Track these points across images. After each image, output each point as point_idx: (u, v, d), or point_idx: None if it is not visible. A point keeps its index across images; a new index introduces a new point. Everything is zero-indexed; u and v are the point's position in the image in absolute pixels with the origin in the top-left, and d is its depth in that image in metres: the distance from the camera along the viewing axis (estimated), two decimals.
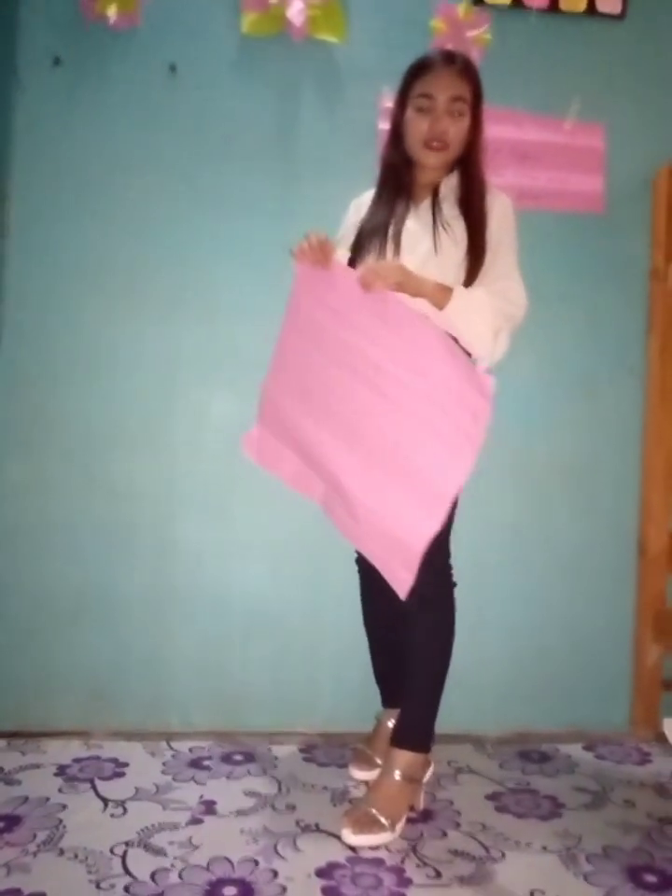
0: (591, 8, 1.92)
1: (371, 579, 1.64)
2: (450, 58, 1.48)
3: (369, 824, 1.37)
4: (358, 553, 1.64)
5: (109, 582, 1.82)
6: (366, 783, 1.58)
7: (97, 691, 1.82)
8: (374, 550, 1.41)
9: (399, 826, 1.40)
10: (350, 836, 1.36)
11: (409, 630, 1.49)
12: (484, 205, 1.48)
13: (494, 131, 1.93)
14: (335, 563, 1.81)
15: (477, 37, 1.86)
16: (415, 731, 1.49)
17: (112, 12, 1.76)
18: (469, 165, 1.51)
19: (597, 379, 1.95)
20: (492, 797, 1.56)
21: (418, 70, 1.48)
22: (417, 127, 1.47)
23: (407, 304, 1.36)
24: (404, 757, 1.45)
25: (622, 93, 1.94)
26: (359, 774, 1.62)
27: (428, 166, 1.49)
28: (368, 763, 1.62)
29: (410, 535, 1.33)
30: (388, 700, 1.68)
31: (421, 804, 1.48)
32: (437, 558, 1.47)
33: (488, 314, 1.40)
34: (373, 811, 1.39)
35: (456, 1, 1.86)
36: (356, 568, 1.66)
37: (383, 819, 1.38)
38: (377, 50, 1.83)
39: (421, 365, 1.34)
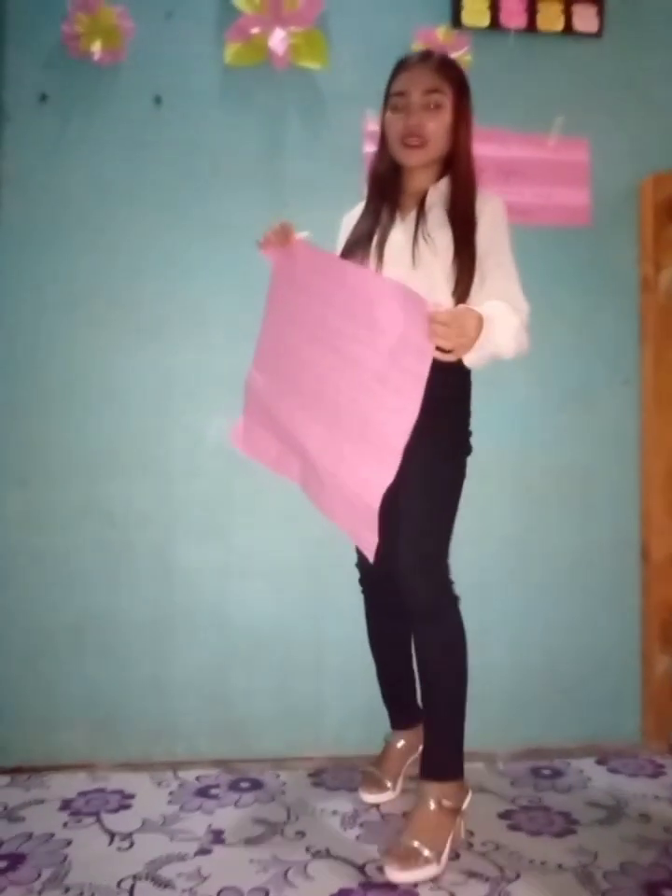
0: (568, 27, 1.95)
1: (375, 599, 1.63)
2: (426, 55, 1.45)
3: (414, 859, 1.31)
4: (362, 574, 1.63)
5: (110, 610, 1.81)
6: (376, 806, 1.56)
7: (101, 722, 1.80)
8: (339, 514, 1.38)
9: (444, 857, 1.34)
10: (396, 874, 1.30)
11: (418, 652, 1.45)
12: (473, 212, 1.42)
13: (478, 149, 1.96)
14: (337, 583, 1.80)
15: (458, 59, 1.88)
16: (442, 759, 1.43)
17: (97, 48, 1.79)
18: (455, 168, 1.45)
19: (593, 389, 1.96)
20: (504, 815, 1.53)
21: (395, 71, 1.46)
22: (394, 126, 1.43)
23: (360, 266, 1.39)
24: (436, 787, 1.39)
25: (603, 108, 1.97)
26: (369, 797, 1.59)
27: (409, 165, 1.45)
28: (377, 785, 1.59)
29: (365, 489, 1.30)
30: (397, 722, 1.66)
31: (463, 834, 1.42)
32: (435, 572, 1.44)
33: (512, 329, 1.33)
34: (416, 844, 1.33)
35: (436, 24, 1.89)
36: (359, 588, 1.65)
37: (426, 852, 1.32)
38: (359, 75, 1.86)
39: (371, 316, 1.30)
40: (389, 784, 1.59)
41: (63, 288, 1.82)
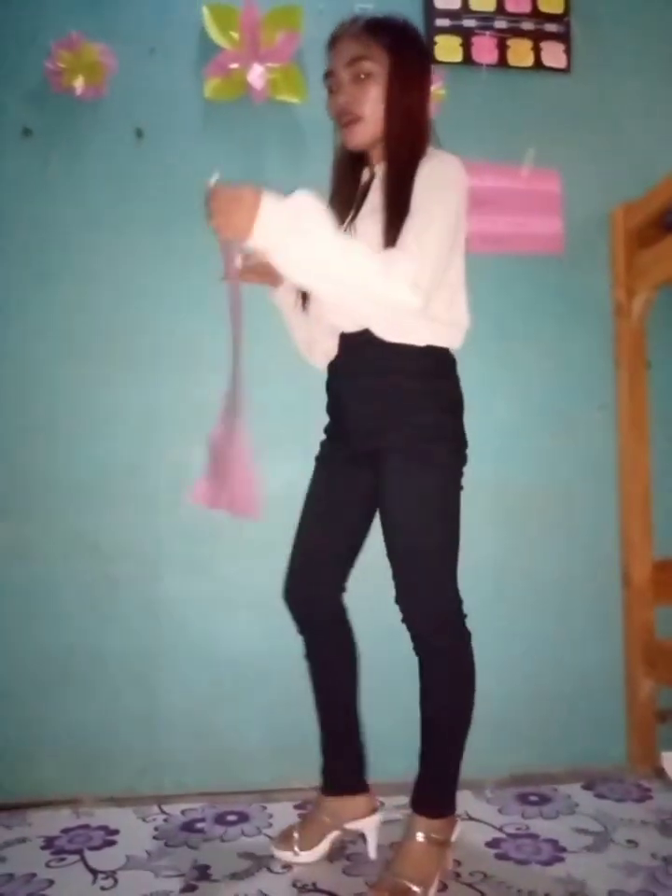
0: (537, 63, 2.01)
1: (315, 638, 1.48)
2: (353, 20, 1.29)
3: (401, 893, 1.26)
4: (296, 612, 1.49)
5: (94, 643, 1.79)
6: (362, 837, 1.49)
7: (85, 756, 1.77)
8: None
9: (432, 891, 1.30)
10: None
11: (421, 684, 1.36)
12: (409, 185, 1.22)
13: None
14: None
15: (432, 94, 1.93)
16: (435, 796, 1.36)
17: (79, 84, 1.81)
18: (387, 140, 1.27)
19: (570, 414, 1.98)
20: (492, 844, 1.52)
21: (327, 49, 1.31)
22: (331, 109, 1.30)
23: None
24: (426, 822, 1.33)
25: (573, 140, 2.02)
26: (278, 853, 1.44)
27: (353, 146, 1.31)
28: (286, 843, 1.44)
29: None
30: (326, 784, 1.46)
31: (450, 864, 1.38)
32: (436, 604, 1.34)
33: (325, 255, 1.15)
34: (403, 879, 1.28)
35: None
36: None
37: (415, 888, 1.27)
38: None
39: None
40: (297, 850, 1.43)
41: (46, 320, 1.83)
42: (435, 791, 1.38)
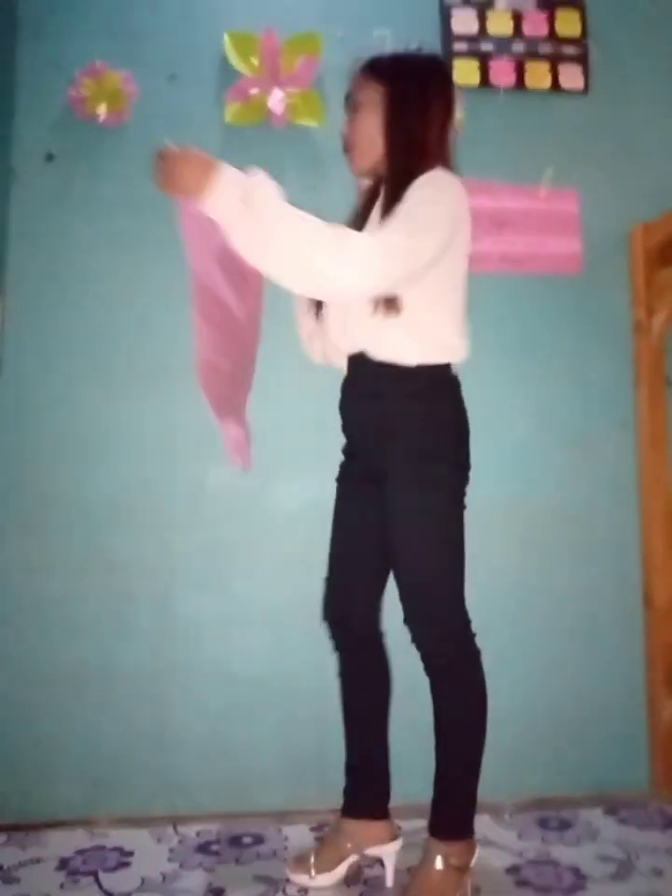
0: (555, 85, 2.02)
1: (350, 657, 1.47)
2: (361, 64, 1.38)
3: None
4: (332, 628, 1.48)
5: (109, 660, 1.79)
6: (379, 861, 1.46)
7: (100, 775, 1.76)
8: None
9: None
10: None
11: (433, 703, 1.36)
12: (401, 197, 1.27)
13: (471, 201, 2.02)
14: None
15: (448, 116, 1.95)
16: (452, 819, 1.35)
17: (102, 111, 1.85)
18: (385, 171, 1.33)
19: (590, 433, 1.97)
20: (512, 870, 1.49)
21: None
22: None
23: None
24: (444, 845, 1.33)
25: (591, 160, 2.03)
26: (294, 876, 1.43)
27: (356, 175, 1.42)
28: (303, 867, 1.44)
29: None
30: (348, 806, 1.45)
31: (469, 890, 1.35)
32: (444, 624, 1.34)
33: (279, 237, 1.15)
34: None
35: None
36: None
37: None
38: None
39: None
40: (313, 873, 1.42)
41: (67, 340, 1.86)
42: (451, 813, 1.36)
